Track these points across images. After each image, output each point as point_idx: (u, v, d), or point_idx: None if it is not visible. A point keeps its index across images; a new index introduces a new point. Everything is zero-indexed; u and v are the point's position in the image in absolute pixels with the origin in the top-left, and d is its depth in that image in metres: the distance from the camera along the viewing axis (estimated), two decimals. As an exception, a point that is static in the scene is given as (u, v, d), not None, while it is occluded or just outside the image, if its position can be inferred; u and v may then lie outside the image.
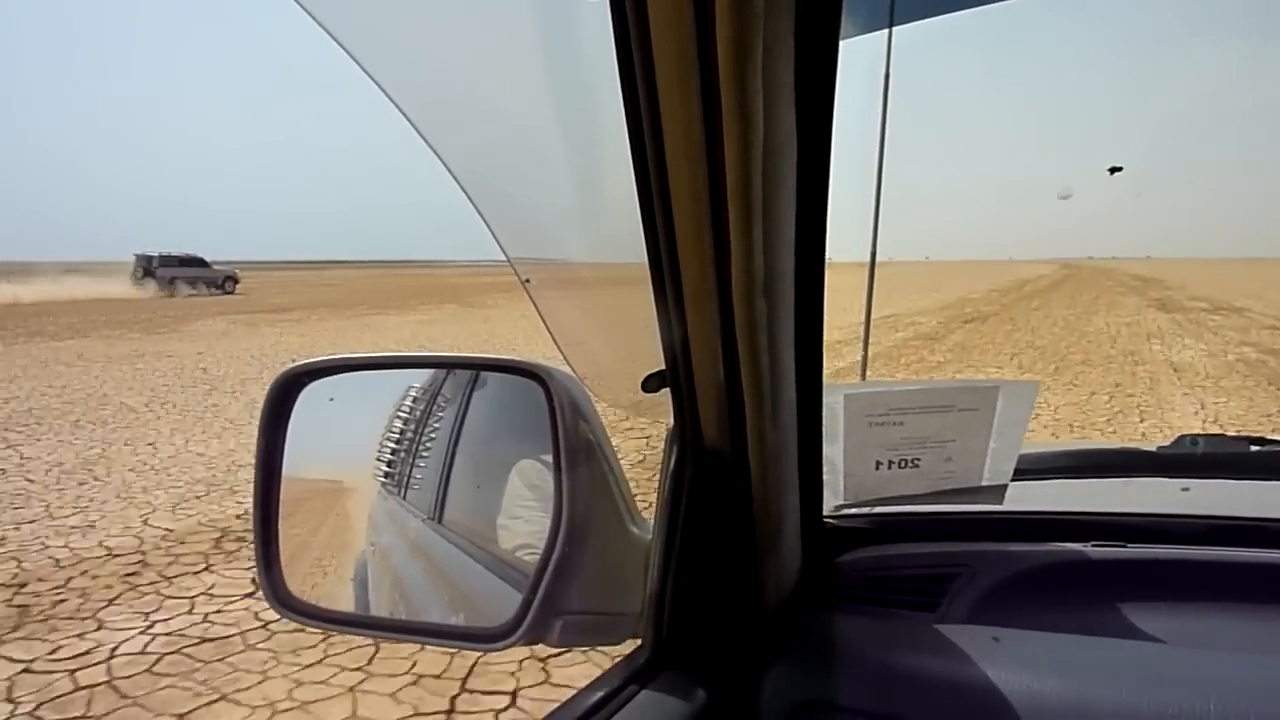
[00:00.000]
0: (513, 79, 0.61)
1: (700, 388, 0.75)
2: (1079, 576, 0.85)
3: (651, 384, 0.77)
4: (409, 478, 1.23)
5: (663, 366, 0.77)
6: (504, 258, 0.65)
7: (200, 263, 37.54)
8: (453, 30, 0.58)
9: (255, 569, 0.89)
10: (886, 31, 1.18)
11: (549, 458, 0.94)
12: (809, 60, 0.62)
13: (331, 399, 0.92)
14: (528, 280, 0.67)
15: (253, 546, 0.88)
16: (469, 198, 0.61)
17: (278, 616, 0.89)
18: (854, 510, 0.97)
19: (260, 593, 0.87)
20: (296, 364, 0.89)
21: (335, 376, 0.93)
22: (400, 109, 0.54)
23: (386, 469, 1.25)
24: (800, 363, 0.78)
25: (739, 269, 0.67)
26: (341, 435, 1.11)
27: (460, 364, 1.00)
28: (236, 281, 38.33)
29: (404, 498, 1.24)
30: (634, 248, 0.70)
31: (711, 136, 0.60)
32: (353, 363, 0.95)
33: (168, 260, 36.21)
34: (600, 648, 0.88)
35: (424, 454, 1.20)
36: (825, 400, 0.83)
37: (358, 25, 0.53)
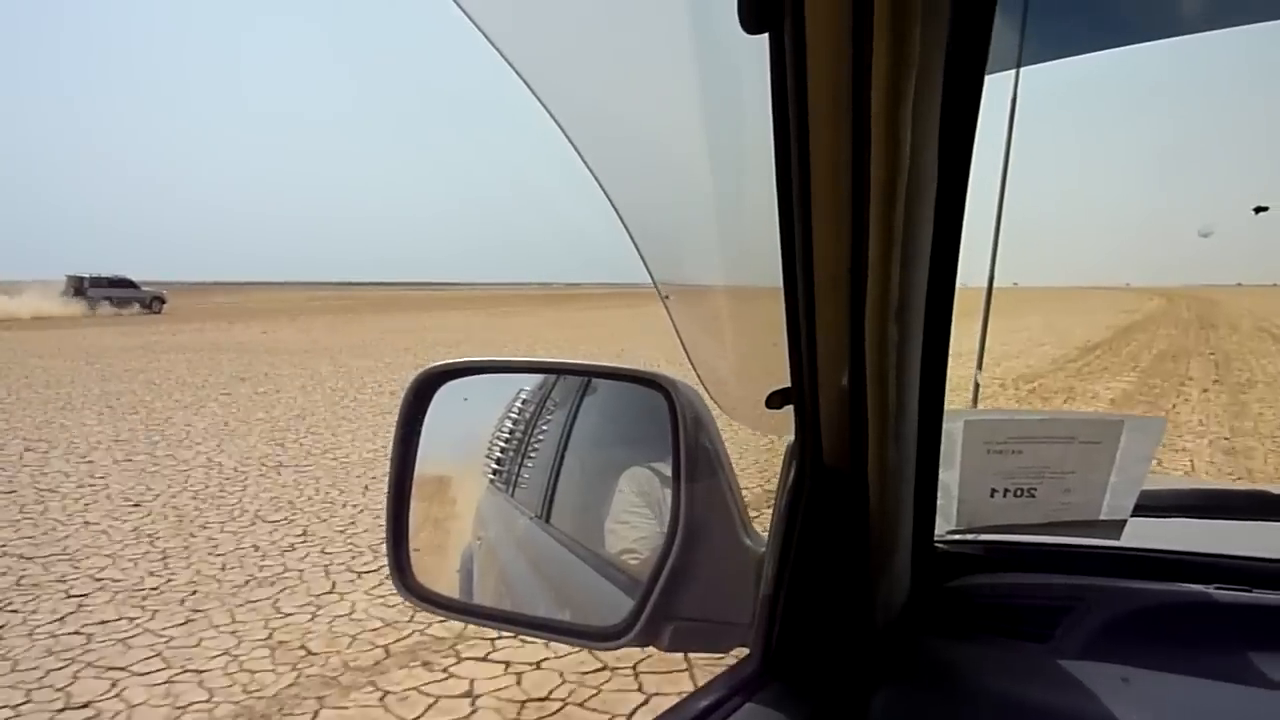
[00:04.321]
0: (669, 108, 0.65)
1: (824, 406, 0.77)
2: (1202, 619, 0.83)
3: (775, 400, 0.79)
4: (518, 476, 1.27)
5: (786, 384, 0.78)
6: (645, 273, 0.68)
7: (129, 284, 39.53)
8: (619, 63, 0.61)
9: (386, 557, 0.94)
10: (1014, 71, 1.19)
11: (659, 465, 0.96)
12: (954, 97, 0.64)
13: (465, 399, 0.97)
14: (667, 297, 0.71)
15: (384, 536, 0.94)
16: (619, 216, 0.64)
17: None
18: (965, 536, 0.97)
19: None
20: (433, 364, 0.95)
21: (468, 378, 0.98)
22: (568, 136, 0.58)
23: (495, 466, 1.30)
24: (924, 387, 0.79)
25: (874, 294, 0.68)
26: (458, 434, 1.17)
27: (590, 371, 1.04)
28: (164, 302, 40.27)
29: (512, 495, 1.29)
30: (765, 268, 0.73)
31: (859, 167, 0.62)
32: (486, 365, 0.99)
33: (98, 281, 38.19)
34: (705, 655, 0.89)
35: (532, 454, 1.25)
36: (944, 426, 0.84)
37: (535, 56, 0.57)
